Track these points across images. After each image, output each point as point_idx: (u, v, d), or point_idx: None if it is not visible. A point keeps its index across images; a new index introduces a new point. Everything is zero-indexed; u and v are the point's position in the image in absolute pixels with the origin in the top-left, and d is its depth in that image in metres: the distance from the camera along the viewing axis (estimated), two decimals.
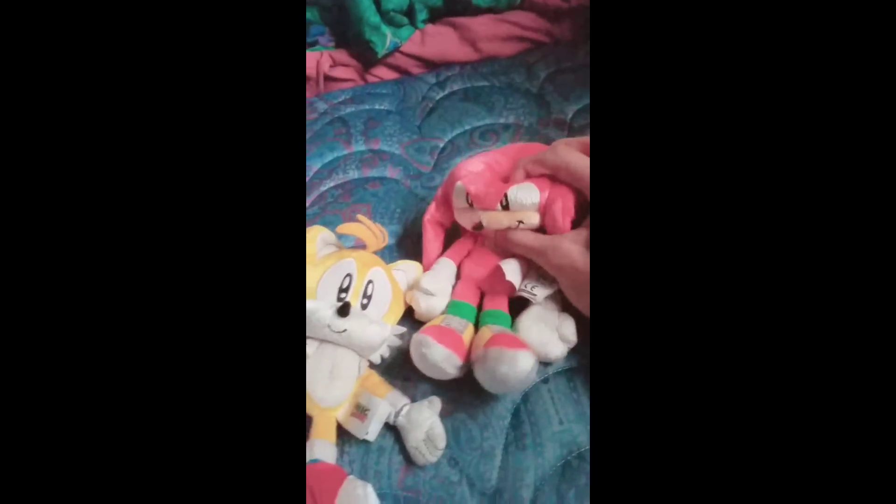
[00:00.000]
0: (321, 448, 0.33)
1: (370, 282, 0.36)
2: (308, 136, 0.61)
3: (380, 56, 0.68)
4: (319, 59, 0.70)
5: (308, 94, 0.73)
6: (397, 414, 0.34)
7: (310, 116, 0.64)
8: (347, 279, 0.35)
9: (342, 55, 0.72)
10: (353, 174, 0.54)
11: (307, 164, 0.56)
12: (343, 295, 0.35)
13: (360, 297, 0.35)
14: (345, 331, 0.33)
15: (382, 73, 0.74)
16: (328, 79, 0.73)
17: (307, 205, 0.52)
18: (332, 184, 0.54)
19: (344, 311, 0.33)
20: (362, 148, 0.57)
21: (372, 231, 0.41)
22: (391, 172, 0.54)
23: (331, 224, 0.50)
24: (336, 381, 0.34)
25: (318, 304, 0.34)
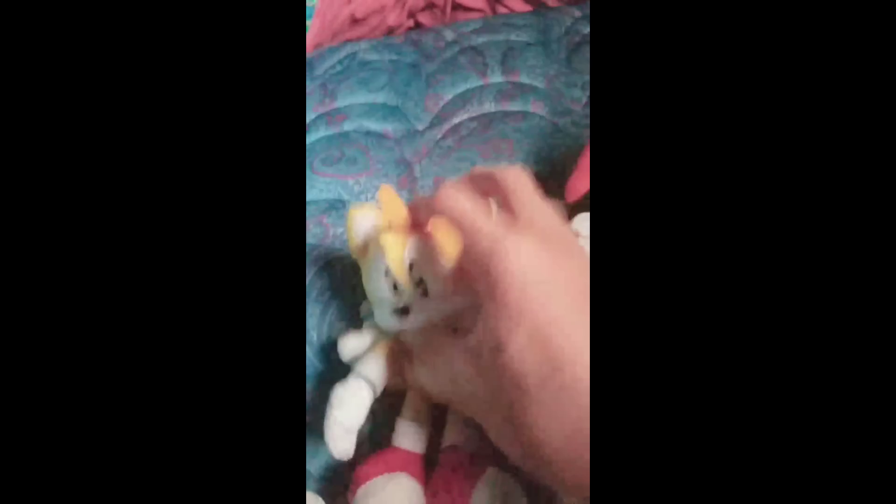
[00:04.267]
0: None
1: (410, 265, 0.28)
2: (435, 65, 0.55)
3: None
4: None
5: (432, 22, 0.67)
6: None
7: (437, 45, 0.59)
8: (389, 276, 0.28)
9: None
10: (490, 107, 0.48)
11: (442, 92, 0.51)
12: (396, 293, 0.29)
13: (413, 286, 0.28)
14: (414, 322, 0.29)
15: (514, 4, 0.67)
16: (455, 7, 0.67)
17: (439, 137, 0.47)
18: (466, 115, 0.48)
19: (403, 311, 0.28)
20: (500, 79, 0.51)
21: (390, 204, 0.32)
22: (535, 107, 0.47)
23: (466, 160, 0.45)
24: None
25: (379, 312, 0.30)
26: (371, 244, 0.30)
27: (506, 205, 0.25)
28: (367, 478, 0.30)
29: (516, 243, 0.22)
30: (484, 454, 0.29)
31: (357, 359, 0.30)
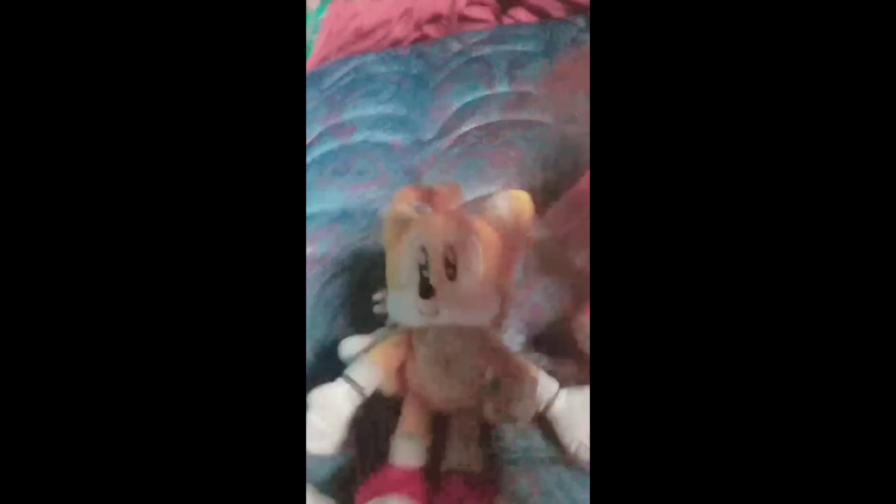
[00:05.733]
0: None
1: (450, 247, 0.29)
2: (442, 76, 0.56)
3: None
4: None
5: (439, 34, 0.68)
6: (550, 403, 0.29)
7: (444, 56, 0.59)
8: (422, 254, 0.29)
9: None
10: (497, 116, 0.49)
11: (449, 102, 0.51)
12: (424, 272, 0.29)
13: (444, 268, 0.29)
14: (437, 312, 0.28)
15: (520, 14, 0.68)
16: (461, 18, 0.68)
17: (448, 145, 0.48)
18: (473, 125, 0.49)
19: (426, 292, 0.28)
20: (506, 89, 0.52)
21: (433, 192, 0.33)
22: (541, 116, 0.48)
23: (474, 167, 0.45)
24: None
25: (401, 298, 0.30)
26: (411, 224, 0.30)
27: None
28: (362, 502, 0.29)
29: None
30: (487, 480, 0.29)
31: (352, 359, 0.30)
